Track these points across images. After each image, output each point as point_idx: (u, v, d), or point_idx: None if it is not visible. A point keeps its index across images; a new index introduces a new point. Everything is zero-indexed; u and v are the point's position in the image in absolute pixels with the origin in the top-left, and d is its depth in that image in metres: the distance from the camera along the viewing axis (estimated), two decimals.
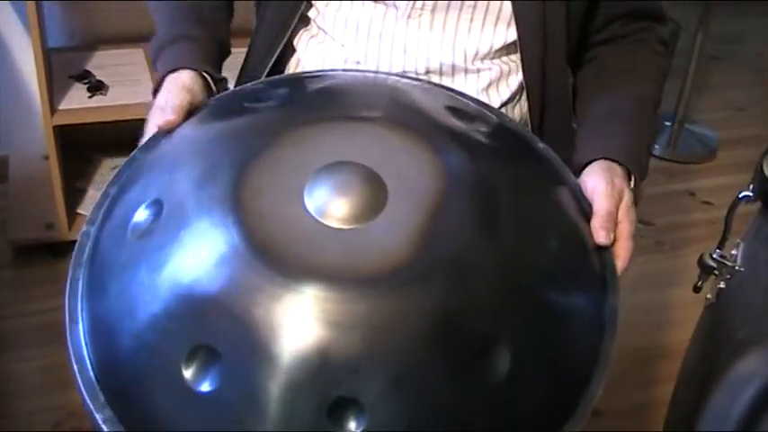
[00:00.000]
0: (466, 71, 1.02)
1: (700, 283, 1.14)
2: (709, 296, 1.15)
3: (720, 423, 1.09)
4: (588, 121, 1.04)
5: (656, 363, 1.85)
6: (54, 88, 2.06)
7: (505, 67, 1.04)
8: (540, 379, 0.76)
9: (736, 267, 1.11)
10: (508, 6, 0.99)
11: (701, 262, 1.13)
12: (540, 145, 0.94)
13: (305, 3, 1.04)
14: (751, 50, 3.49)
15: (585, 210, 0.89)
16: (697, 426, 1.14)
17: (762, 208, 1.12)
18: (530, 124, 1.06)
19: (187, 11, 1.06)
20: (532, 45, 1.01)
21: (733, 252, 1.13)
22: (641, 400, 1.65)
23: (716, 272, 1.13)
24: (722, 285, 1.13)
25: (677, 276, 2.18)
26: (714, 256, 1.12)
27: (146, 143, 0.91)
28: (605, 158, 0.95)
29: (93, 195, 2.26)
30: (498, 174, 0.84)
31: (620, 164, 0.95)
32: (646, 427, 1.46)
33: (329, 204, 0.77)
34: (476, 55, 1.02)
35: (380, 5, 1.01)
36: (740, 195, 1.11)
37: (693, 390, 1.19)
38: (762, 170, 1.08)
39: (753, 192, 1.10)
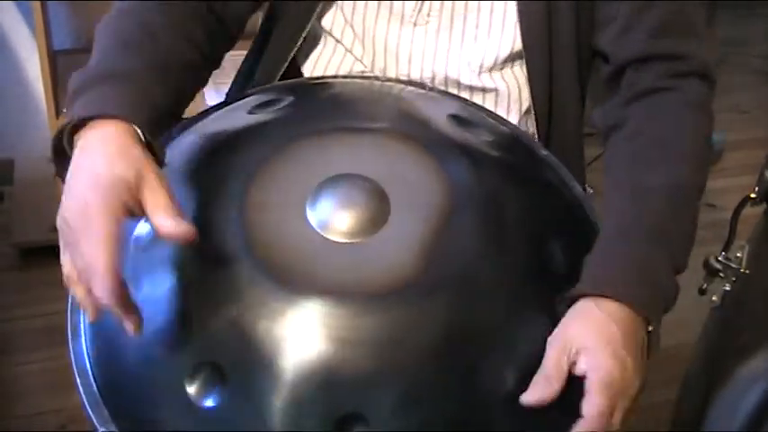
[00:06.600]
0: (471, 89, 1.00)
1: (705, 285, 1.14)
2: (714, 299, 1.15)
3: (726, 425, 1.09)
4: (602, 234, 0.85)
5: (661, 365, 1.85)
6: (60, 91, 2.06)
7: (513, 83, 1.01)
8: None
9: (742, 270, 1.11)
10: (513, 7, 0.96)
11: (706, 264, 1.13)
12: (543, 152, 0.93)
13: (322, 3, 1.00)
14: (755, 53, 3.48)
15: (592, 219, 0.88)
16: (703, 427, 1.14)
17: (767, 210, 1.11)
18: (536, 137, 1.02)
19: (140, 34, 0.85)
20: (538, 47, 0.98)
21: (738, 255, 1.13)
22: (647, 401, 1.64)
23: (721, 274, 1.13)
24: (727, 288, 1.12)
25: (682, 279, 2.17)
26: (719, 258, 1.12)
27: None
28: (598, 296, 0.77)
29: None
30: (503, 185, 0.83)
31: (619, 302, 0.78)
32: (652, 428, 1.45)
33: (332, 218, 0.76)
34: (481, 67, 0.99)
35: (385, 12, 0.99)
36: (745, 198, 1.11)
37: (699, 392, 1.19)
38: (767, 173, 1.08)
39: (758, 194, 1.10)
